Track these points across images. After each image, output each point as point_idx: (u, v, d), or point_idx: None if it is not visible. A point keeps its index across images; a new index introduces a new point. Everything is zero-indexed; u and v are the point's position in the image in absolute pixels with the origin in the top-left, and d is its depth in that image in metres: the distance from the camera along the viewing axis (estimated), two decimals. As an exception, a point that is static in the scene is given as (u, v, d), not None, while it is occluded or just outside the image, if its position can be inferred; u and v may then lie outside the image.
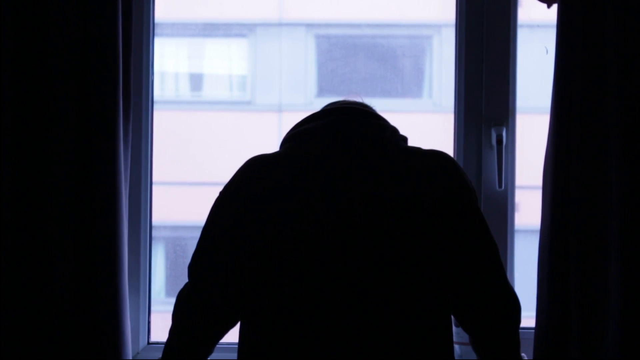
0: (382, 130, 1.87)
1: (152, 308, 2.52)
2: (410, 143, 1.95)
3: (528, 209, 2.54)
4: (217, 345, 1.95)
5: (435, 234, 1.78)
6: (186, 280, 1.90)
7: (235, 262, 1.80)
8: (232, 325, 1.89)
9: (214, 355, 1.97)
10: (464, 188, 1.84)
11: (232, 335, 1.93)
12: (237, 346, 1.85)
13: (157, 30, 2.53)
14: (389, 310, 1.75)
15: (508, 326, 1.89)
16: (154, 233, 2.55)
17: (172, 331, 1.91)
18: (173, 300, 1.92)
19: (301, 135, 1.87)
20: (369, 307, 1.74)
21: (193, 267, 1.86)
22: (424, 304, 1.78)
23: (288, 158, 1.85)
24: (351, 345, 1.73)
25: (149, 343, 2.48)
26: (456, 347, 2.30)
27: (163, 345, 2.41)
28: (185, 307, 1.87)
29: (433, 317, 1.79)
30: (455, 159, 2.46)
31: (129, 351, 2.25)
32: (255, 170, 1.86)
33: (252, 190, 1.82)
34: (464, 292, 1.83)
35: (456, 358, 2.26)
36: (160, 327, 2.51)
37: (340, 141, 1.83)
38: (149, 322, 2.49)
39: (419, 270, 1.77)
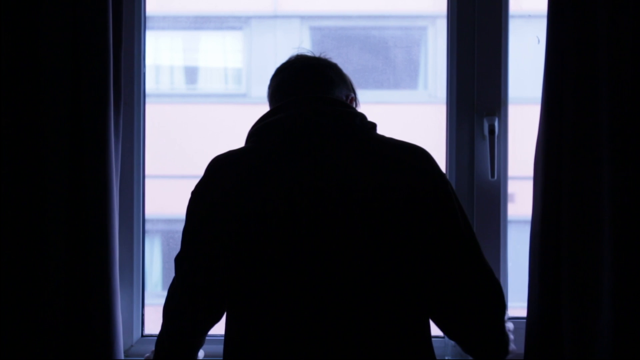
0: (351, 118, 1.86)
1: (149, 301, 2.52)
2: (402, 135, 1.93)
3: (523, 200, 2.53)
4: (208, 337, 1.97)
5: (408, 223, 1.77)
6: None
7: (211, 258, 1.82)
8: (218, 319, 1.90)
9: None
10: (437, 177, 1.83)
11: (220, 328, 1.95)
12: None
13: (149, 24, 2.52)
14: (364, 300, 1.75)
15: (490, 313, 1.83)
16: (150, 226, 2.54)
17: (162, 323, 1.92)
18: (169, 293, 1.93)
19: (267, 128, 1.86)
20: (344, 296, 1.75)
21: (177, 264, 1.88)
22: (400, 294, 1.78)
23: (254, 151, 1.85)
24: (328, 335, 1.74)
25: (142, 335, 2.48)
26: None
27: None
28: (172, 301, 1.89)
29: (410, 307, 1.79)
30: (448, 149, 2.46)
31: (121, 343, 2.25)
32: (219, 167, 1.86)
33: (218, 187, 1.82)
34: (441, 283, 1.80)
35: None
36: (155, 320, 2.51)
37: (308, 131, 1.82)
38: (142, 315, 2.49)
39: (394, 259, 1.77)
